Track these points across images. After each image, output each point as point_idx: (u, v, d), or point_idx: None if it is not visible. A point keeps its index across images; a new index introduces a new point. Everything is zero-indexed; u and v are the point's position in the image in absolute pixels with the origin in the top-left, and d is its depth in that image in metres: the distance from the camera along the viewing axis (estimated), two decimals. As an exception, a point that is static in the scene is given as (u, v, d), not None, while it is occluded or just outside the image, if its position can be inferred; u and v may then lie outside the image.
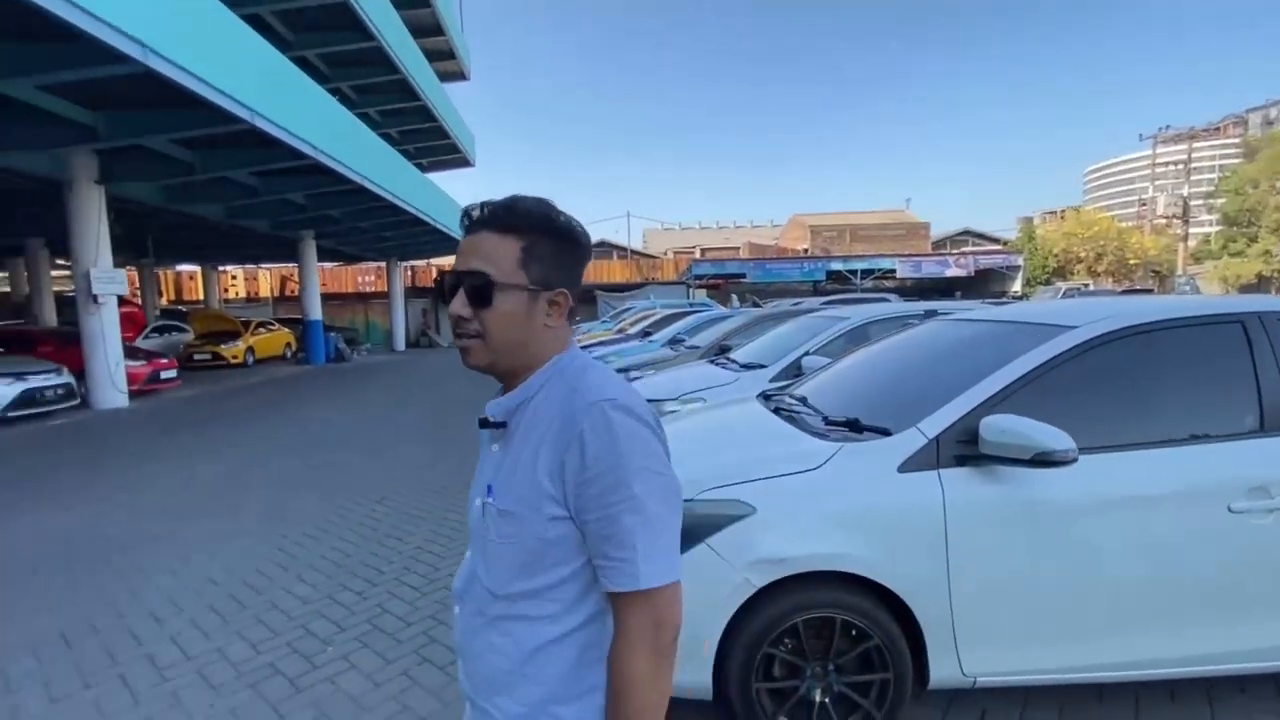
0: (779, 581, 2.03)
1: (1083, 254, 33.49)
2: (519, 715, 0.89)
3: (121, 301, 11.98)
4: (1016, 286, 30.30)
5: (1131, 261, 32.94)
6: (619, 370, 7.41)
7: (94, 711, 2.53)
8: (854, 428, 2.34)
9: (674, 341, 9.10)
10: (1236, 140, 67.72)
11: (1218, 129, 52.29)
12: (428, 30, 20.70)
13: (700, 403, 4.64)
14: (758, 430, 2.68)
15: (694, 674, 2.08)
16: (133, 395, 11.23)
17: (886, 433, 2.20)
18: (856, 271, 30.48)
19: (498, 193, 0.96)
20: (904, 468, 2.08)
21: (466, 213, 0.91)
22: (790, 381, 3.61)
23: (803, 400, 2.87)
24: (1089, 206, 76.55)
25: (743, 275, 31.16)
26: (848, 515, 2.07)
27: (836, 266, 30.90)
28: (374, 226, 19.28)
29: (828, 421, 2.48)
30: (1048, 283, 33.07)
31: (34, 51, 6.79)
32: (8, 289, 25.05)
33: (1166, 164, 38.25)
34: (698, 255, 40.34)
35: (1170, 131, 37.68)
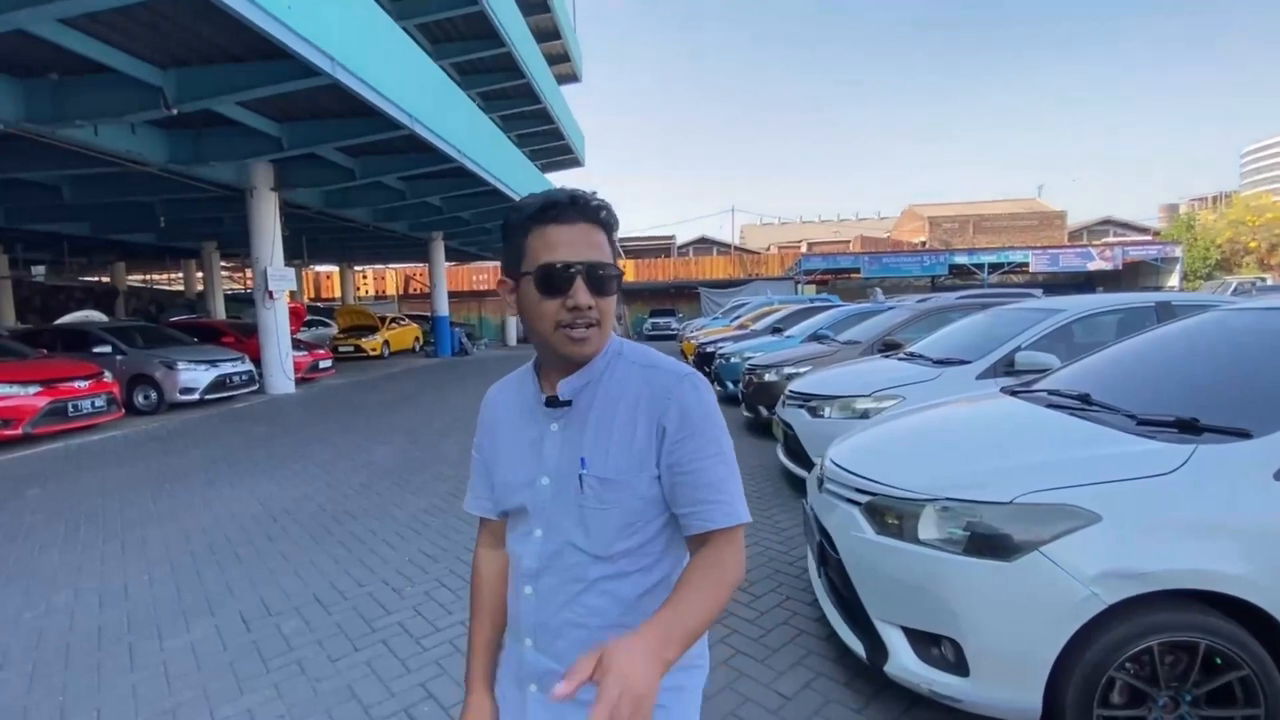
0: (1128, 599, 1.80)
1: (1253, 244, 29.43)
2: None
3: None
4: (1173, 281, 27.11)
5: (1319, 252, 28.62)
6: (765, 367, 7.22)
7: (369, 672, 2.69)
8: (1187, 428, 2.05)
9: (817, 337, 8.76)
10: None
11: None
12: (546, 35, 21.34)
13: (898, 399, 4.39)
14: (1046, 429, 2.43)
15: (1021, 693, 1.89)
16: (296, 382, 12.32)
17: (1246, 434, 1.91)
18: (983, 265, 28.40)
19: (600, 191, 0.97)
20: (1284, 475, 1.79)
21: (554, 204, 0.93)
22: (1035, 377, 3.29)
23: (1084, 397, 2.58)
24: (1247, 191, 67.32)
25: (856, 270, 29.86)
26: (1216, 527, 1.80)
27: (960, 260, 28.91)
28: (497, 227, 20.06)
29: (1141, 421, 2.20)
30: (1209, 277, 29.39)
31: (240, 71, 7.54)
32: (181, 288, 28.40)
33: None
34: (803, 250, 39.14)
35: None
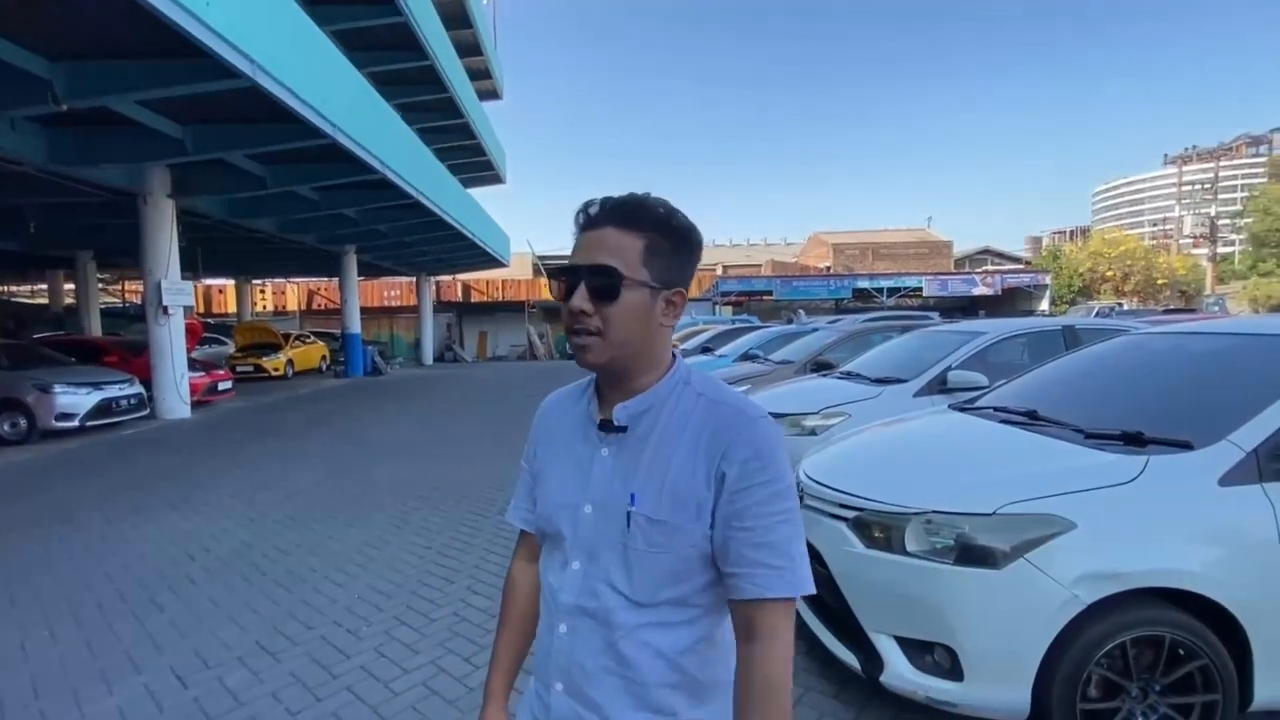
0: (1105, 598, 1.98)
1: (1109, 273, 33.33)
2: None
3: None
4: (1044, 305, 30.18)
5: (1160, 281, 32.79)
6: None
7: (339, 724, 2.49)
8: (1132, 440, 2.29)
9: (749, 356, 9.05)
10: (1254, 160, 67.85)
11: (1230, 149, 52.16)
12: (468, 50, 21.05)
13: (844, 416, 4.61)
14: (1008, 444, 2.63)
15: (1012, 693, 2.02)
16: (192, 406, 11.26)
17: (1188, 446, 2.16)
18: (883, 290, 30.46)
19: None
20: (1225, 481, 2.03)
21: (585, 208, 0.91)
22: (975, 394, 3.56)
23: (1031, 413, 2.82)
24: (1098, 227, 76.39)
25: (769, 292, 31.16)
26: (1176, 530, 2.02)
27: (863, 285, 30.87)
28: (416, 241, 19.44)
29: (1089, 435, 2.44)
30: (1074, 302, 32.93)
31: (145, 68, 6.90)
32: (46, 300, 25.35)
33: (1190, 184, 38.22)
34: (719, 272, 40.42)
35: (1195, 150, 37.70)
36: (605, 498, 0.91)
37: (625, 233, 0.87)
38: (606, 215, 0.89)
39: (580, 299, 0.87)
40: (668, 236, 0.89)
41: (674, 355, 0.96)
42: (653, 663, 0.89)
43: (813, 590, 0.86)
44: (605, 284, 0.86)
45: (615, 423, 0.91)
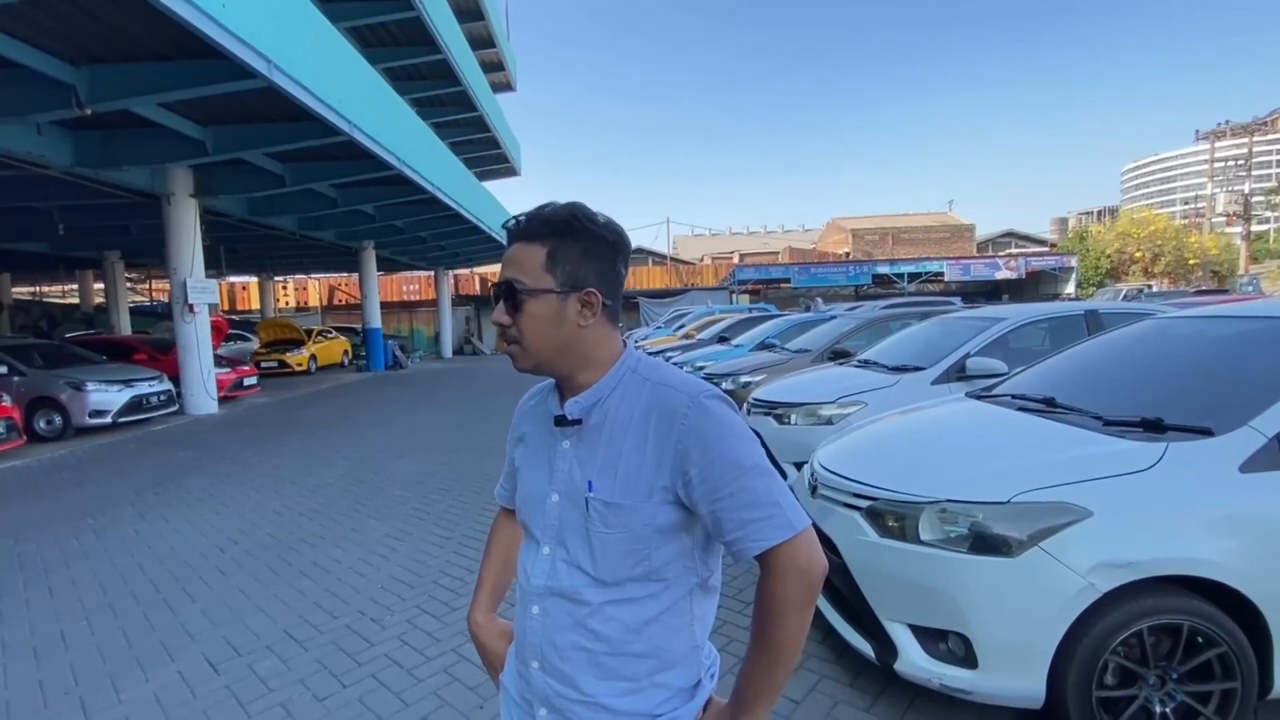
0: (1121, 586, 1.96)
1: (1138, 254, 32.45)
2: (626, 691, 0.95)
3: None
4: (1070, 289, 29.53)
5: (1191, 262, 31.86)
6: (721, 376, 7.37)
7: (364, 710, 2.56)
8: (1152, 427, 2.25)
9: (766, 345, 9.01)
10: (1290, 135, 65.39)
11: (1265, 123, 50.12)
12: (481, 43, 21.09)
13: (860, 405, 4.58)
14: (1025, 432, 2.60)
15: (1027, 681, 2.02)
16: (219, 401, 11.51)
17: (1208, 432, 2.12)
18: (903, 275, 30.04)
19: (535, 200, 1.02)
20: (1246, 468, 2.00)
21: (504, 227, 0.99)
22: (993, 381, 3.52)
23: (1049, 400, 2.79)
24: (1127, 206, 74.39)
25: (786, 280, 30.91)
26: (1194, 517, 2.00)
27: (883, 270, 30.47)
28: (432, 236, 19.58)
29: (1108, 422, 2.40)
30: (1101, 284, 32.18)
31: (165, 70, 7.03)
32: (77, 300, 26.01)
33: (1223, 160, 37.02)
34: (736, 261, 40.18)
35: (1228, 125, 36.51)
36: (567, 486, 0.98)
37: (529, 245, 0.95)
38: (515, 232, 0.97)
39: (499, 313, 0.97)
40: (576, 240, 0.94)
41: (623, 345, 1.03)
42: (619, 635, 0.95)
43: (807, 524, 0.90)
44: (508, 297, 0.95)
45: (568, 417, 0.98)
